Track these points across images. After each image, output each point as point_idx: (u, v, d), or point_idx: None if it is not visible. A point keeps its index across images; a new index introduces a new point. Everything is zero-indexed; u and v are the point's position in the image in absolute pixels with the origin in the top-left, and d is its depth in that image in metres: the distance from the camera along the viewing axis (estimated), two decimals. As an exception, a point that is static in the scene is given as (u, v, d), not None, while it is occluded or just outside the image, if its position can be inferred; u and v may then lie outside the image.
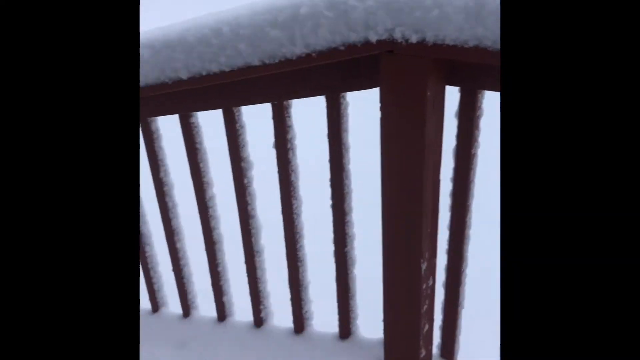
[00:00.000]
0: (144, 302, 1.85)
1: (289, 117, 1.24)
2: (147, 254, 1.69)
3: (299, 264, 1.43)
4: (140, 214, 1.62)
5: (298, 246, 1.41)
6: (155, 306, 1.79)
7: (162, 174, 1.48)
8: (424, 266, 1.15)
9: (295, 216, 1.37)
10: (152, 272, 1.72)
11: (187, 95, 1.27)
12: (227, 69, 1.08)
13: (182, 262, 1.64)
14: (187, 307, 1.72)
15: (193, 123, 1.36)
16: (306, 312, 1.50)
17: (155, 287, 1.76)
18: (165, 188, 1.51)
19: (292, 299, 1.49)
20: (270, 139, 1.27)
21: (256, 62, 1.05)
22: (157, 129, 1.44)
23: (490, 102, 1.12)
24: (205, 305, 1.76)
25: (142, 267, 1.72)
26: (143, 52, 1.16)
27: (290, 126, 1.25)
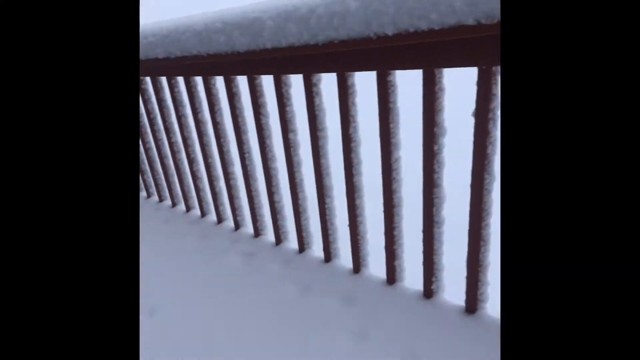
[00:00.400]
0: (317, 251, 1.91)
1: (496, 84, 1.12)
2: (326, 206, 1.72)
3: (482, 242, 1.33)
4: (325, 166, 1.65)
5: (483, 224, 1.31)
6: (328, 256, 1.83)
7: (351, 130, 1.47)
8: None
9: (485, 192, 1.26)
10: (328, 224, 1.76)
11: (386, 53, 1.21)
12: (436, 27, 1.00)
13: (359, 219, 1.64)
14: (358, 263, 1.73)
15: (390, 81, 1.30)
16: (482, 293, 1.41)
17: (330, 238, 1.79)
18: (352, 144, 1.49)
19: (467, 278, 1.41)
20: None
21: (471, 22, 0.95)
22: (353, 84, 1.41)
23: None
24: (375, 265, 1.76)
25: (320, 218, 1.76)
26: (349, 3, 1.12)
27: (495, 94, 1.13)
